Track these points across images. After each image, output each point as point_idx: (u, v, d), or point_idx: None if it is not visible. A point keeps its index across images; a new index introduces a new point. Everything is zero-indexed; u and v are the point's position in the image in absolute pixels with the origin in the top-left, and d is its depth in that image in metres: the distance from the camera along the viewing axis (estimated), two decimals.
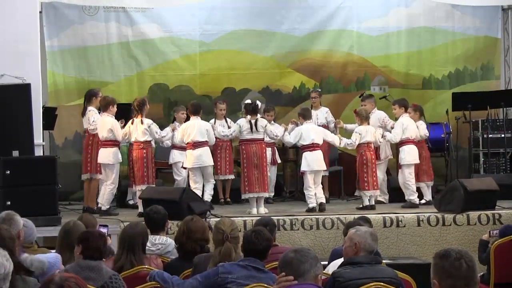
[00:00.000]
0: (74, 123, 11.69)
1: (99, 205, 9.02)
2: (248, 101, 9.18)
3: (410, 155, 9.47)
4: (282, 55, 12.11)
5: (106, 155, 8.96)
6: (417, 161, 9.55)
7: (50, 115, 10.56)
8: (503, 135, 10.96)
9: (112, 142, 8.98)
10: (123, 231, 5.47)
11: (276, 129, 9.36)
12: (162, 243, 5.84)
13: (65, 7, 11.42)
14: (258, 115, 9.07)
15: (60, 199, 8.64)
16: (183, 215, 6.56)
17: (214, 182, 9.42)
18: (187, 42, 11.91)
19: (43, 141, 9.33)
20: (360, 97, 10.92)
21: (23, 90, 8.50)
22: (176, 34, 11.89)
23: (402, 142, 9.51)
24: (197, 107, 9.30)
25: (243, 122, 8.99)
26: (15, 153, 8.30)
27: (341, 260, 4.88)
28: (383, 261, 5.69)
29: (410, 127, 9.52)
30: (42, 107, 9.43)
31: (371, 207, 9.06)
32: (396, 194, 9.95)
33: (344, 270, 4.44)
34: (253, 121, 8.90)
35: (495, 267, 6.27)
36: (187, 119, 9.58)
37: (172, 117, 10.55)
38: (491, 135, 11.03)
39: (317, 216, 8.35)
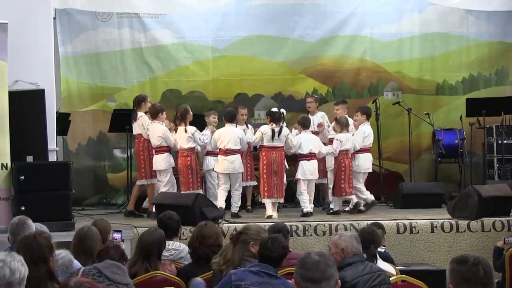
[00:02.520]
0: (88, 129, 11.78)
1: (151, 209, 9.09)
2: (274, 109, 9.22)
3: (365, 163, 9.59)
4: (295, 60, 12.11)
5: (159, 161, 9.15)
6: (370, 170, 9.70)
7: (63, 121, 10.60)
8: None
9: (164, 148, 9.18)
10: (140, 237, 5.45)
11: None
12: (175, 248, 5.84)
13: (79, 14, 11.48)
14: (284, 123, 9.12)
15: (73, 204, 8.65)
16: (196, 221, 6.57)
17: (241, 190, 9.39)
18: (200, 48, 11.94)
19: (56, 146, 9.34)
20: (373, 101, 10.88)
21: (37, 96, 8.52)
22: (188, 40, 11.92)
23: (360, 150, 9.57)
24: (232, 114, 9.41)
25: (267, 130, 9.04)
26: (29, 159, 8.32)
27: None
28: (397, 267, 5.70)
29: (370, 135, 9.68)
30: (56, 113, 9.45)
31: (337, 212, 9.19)
32: (408, 200, 9.94)
33: (345, 272, 4.47)
34: (277, 129, 8.97)
35: (510, 274, 6.22)
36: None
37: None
38: (505, 141, 10.98)
39: (330, 222, 8.32)
